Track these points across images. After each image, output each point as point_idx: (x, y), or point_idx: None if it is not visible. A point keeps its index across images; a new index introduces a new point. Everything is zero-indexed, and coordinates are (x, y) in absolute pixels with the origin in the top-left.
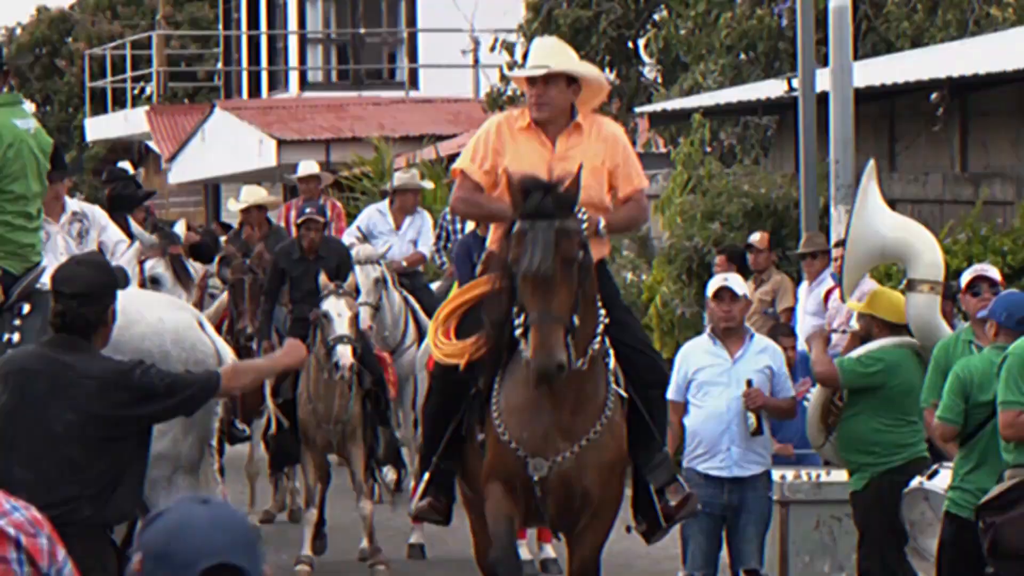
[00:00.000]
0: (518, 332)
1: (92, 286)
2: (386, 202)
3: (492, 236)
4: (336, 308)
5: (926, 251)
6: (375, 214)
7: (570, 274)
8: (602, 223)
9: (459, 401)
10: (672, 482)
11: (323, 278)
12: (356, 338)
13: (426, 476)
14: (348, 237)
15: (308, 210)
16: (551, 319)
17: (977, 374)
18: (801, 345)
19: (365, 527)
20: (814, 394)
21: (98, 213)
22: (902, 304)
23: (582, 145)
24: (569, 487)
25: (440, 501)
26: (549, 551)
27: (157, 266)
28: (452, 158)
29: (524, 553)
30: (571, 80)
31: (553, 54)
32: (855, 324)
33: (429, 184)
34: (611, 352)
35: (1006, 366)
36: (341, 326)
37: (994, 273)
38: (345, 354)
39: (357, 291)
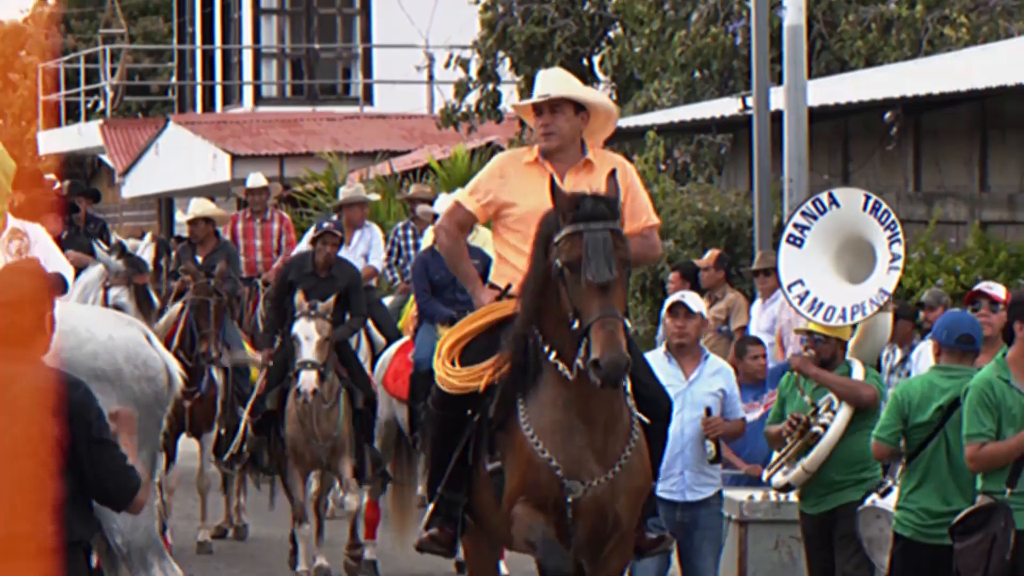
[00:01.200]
0: (550, 345)
1: (26, 293)
2: (335, 218)
3: (496, 272)
4: (305, 331)
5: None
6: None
7: (624, 276)
8: None
9: (463, 429)
10: (654, 516)
11: (299, 297)
12: (323, 362)
13: (430, 507)
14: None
15: (325, 224)
16: (615, 316)
17: (916, 395)
18: (770, 354)
19: (349, 531)
20: (840, 417)
21: (40, 232)
22: (860, 329)
23: (593, 180)
24: (602, 511)
25: (445, 532)
26: (502, 567)
27: (121, 295)
28: (406, 174)
29: (503, 568)
30: (578, 108)
31: (557, 82)
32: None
33: (375, 196)
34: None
35: (967, 399)
36: (308, 351)
37: (998, 291)
38: (308, 380)
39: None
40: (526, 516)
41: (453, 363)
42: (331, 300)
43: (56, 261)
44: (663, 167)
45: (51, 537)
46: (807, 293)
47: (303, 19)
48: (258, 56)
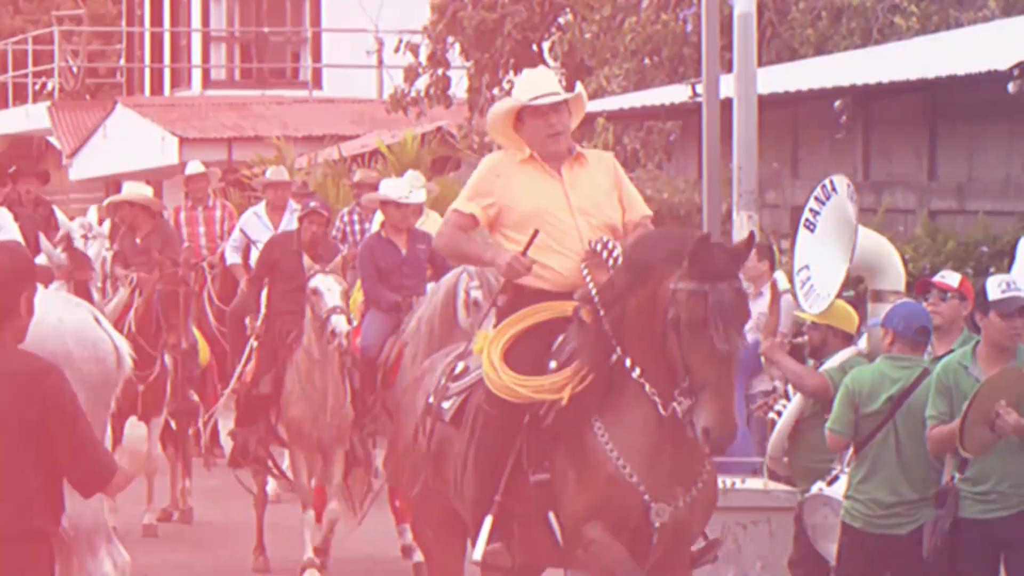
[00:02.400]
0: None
1: (4, 270)
2: (262, 205)
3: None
4: (325, 283)
5: (891, 263)
6: (252, 219)
7: (742, 337)
8: (618, 249)
9: (516, 436)
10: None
11: (307, 259)
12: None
13: (490, 519)
14: (230, 243)
15: (313, 203)
16: (730, 386)
17: (867, 385)
18: None
19: (327, 529)
20: (792, 406)
21: (6, 218)
22: (853, 314)
23: (587, 172)
24: (680, 534)
25: (506, 547)
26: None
27: (61, 289)
28: (355, 158)
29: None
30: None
31: (552, 82)
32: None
33: (296, 179)
34: None
35: (931, 382)
36: (333, 298)
37: (950, 279)
38: (340, 323)
39: None
40: (605, 541)
41: (507, 370)
42: (338, 260)
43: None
44: (612, 153)
45: (23, 524)
46: (808, 279)
47: (252, 2)
48: (207, 39)
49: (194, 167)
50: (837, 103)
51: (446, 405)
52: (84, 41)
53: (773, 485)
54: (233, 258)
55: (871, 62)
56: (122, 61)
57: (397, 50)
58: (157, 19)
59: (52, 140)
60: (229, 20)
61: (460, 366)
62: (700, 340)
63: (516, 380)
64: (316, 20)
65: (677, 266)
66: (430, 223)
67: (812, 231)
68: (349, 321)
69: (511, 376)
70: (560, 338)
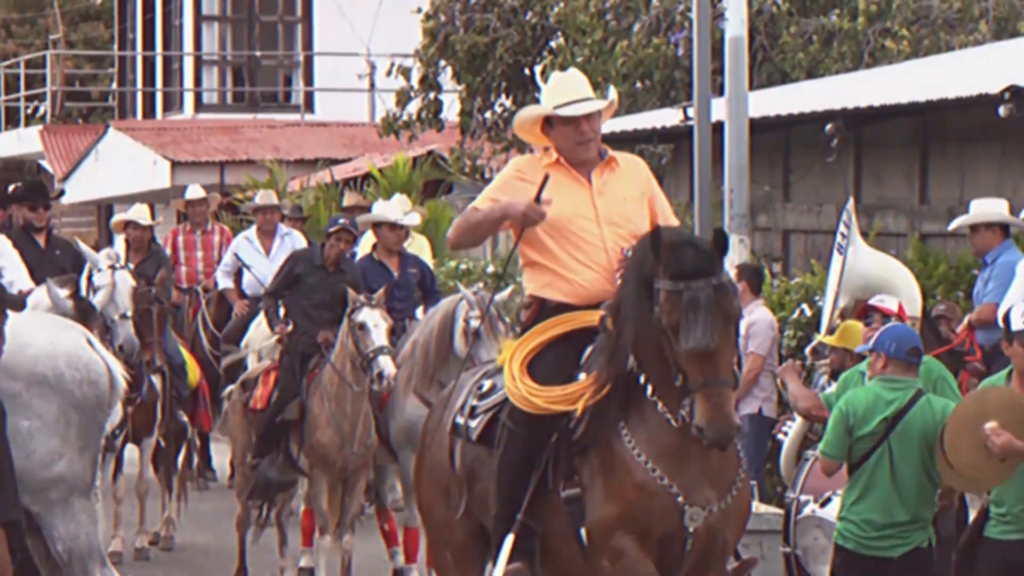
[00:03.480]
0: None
1: None
2: (252, 229)
3: (529, 278)
4: (373, 319)
5: (906, 287)
6: (243, 243)
7: (730, 333)
8: None
9: (541, 451)
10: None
11: (351, 291)
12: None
13: (510, 538)
14: (222, 267)
15: (342, 220)
16: (720, 384)
17: (861, 407)
18: None
19: (345, 562)
20: (794, 428)
21: (5, 246)
22: None
23: (618, 179)
24: (714, 539)
25: (527, 565)
26: None
27: None
28: (347, 182)
29: None
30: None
31: (583, 87)
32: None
33: (286, 202)
34: None
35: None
36: (380, 337)
37: (890, 304)
38: (388, 365)
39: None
40: (634, 554)
41: (526, 379)
42: (381, 291)
43: (19, 275)
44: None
45: None
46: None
47: (244, 26)
48: (199, 63)
49: (195, 191)
50: (828, 127)
51: (473, 424)
52: (70, 65)
53: (764, 508)
54: (225, 282)
55: (862, 86)
56: (113, 85)
57: (389, 74)
58: (149, 43)
59: (44, 164)
60: (221, 44)
61: (487, 384)
62: (683, 340)
63: (532, 390)
64: (308, 44)
65: (657, 266)
66: (415, 247)
67: (843, 253)
68: (395, 361)
69: (528, 386)
70: (589, 349)
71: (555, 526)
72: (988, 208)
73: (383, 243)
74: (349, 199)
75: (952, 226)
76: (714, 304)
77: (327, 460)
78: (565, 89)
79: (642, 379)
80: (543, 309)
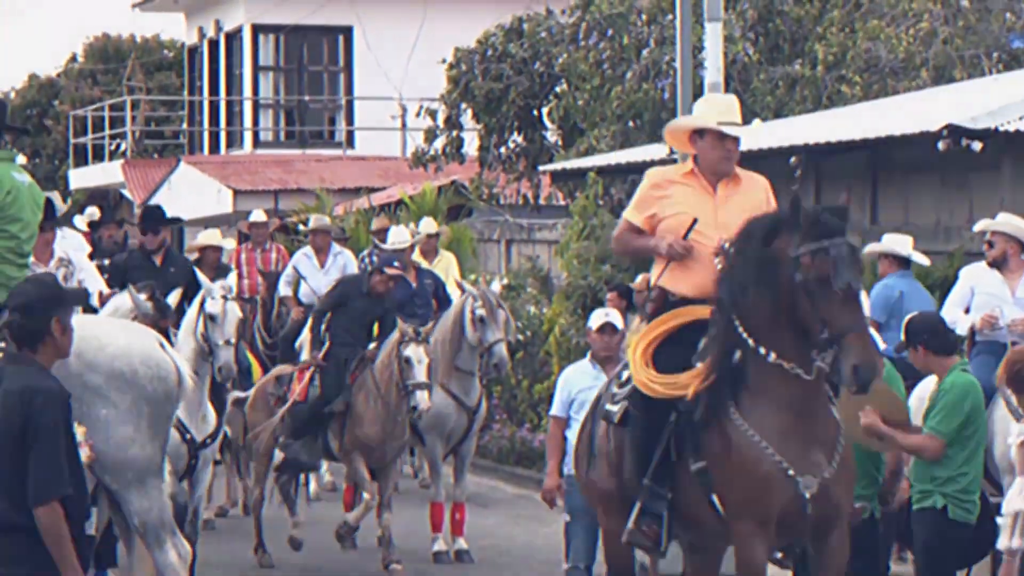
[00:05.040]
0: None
1: (32, 299)
2: (308, 247)
3: (656, 273)
4: (416, 355)
5: None
6: (302, 258)
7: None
8: None
9: (663, 429)
10: None
11: (400, 323)
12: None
13: (638, 505)
14: (284, 277)
15: (396, 263)
16: (864, 328)
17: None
18: None
19: (386, 537)
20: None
21: (84, 261)
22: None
23: (742, 192)
24: (829, 501)
25: (652, 529)
26: (462, 543)
27: None
28: (384, 207)
29: (440, 545)
30: None
31: (736, 111)
32: None
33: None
34: None
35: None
36: (420, 373)
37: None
38: (423, 400)
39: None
40: (752, 542)
41: (649, 367)
42: (429, 325)
43: (96, 284)
44: (601, 202)
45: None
46: None
47: (295, 75)
48: (257, 106)
49: (258, 216)
50: (792, 159)
51: (614, 409)
52: (147, 108)
53: None
54: (285, 291)
55: (821, 125)
56: (184, 125)
57: (418, 115)
58: (214, 89)
59: (125, 193)
60: (275, 90)
61: (625, 374)
62: (831, 291)
63: (651, 377)
64: (349, 90)
65: (789, 237)
66: (444, 263)
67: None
68: (430, 395)
69: (647, 373)
70: (703, 340)
71: (688, 494)
72: (889, 242)
73: (402, 263)
74: (376, 223)
75: (865, 251)
76: (853, 257)
77: (370, 450)
78: (724, 108)
79: (762, 350)
80: (666, 301)
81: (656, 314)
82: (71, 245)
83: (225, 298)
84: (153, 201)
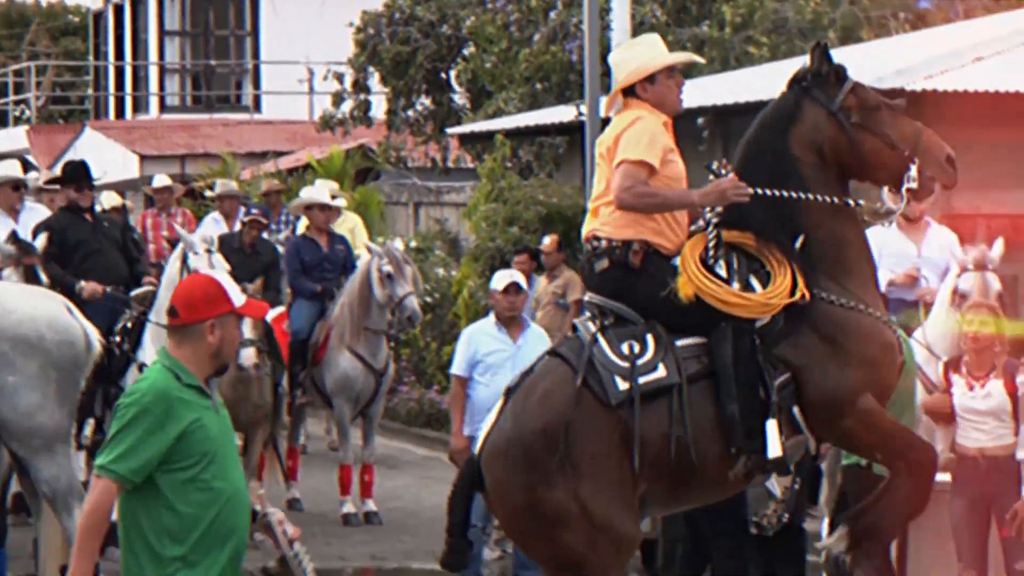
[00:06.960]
0: None
1: None
2: (217, 212)
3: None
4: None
5: None
6: (210, 223)
7: None
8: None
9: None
10: None
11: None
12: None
13: (773, 422)
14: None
15: (254, 210)
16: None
17: None
18: None
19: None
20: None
21: None
22: None
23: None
24: None
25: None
26: (371, 505)
27: (11, 276)
28: (291, 171)
29: (349, 507)
30: None
31: (659, 46)
32: None
33: (236, 187)
34: None
35: None
36: (246, 330)
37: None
38: (249, 357)
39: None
40: (880, 411)
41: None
42: (259, 282)
43: None
44: (509, 165)
45: None
46: None
47: (201, 39)
48: (163, 71)
49: (161, 180)
50: (700, 120)
51: (651, 377)
52: (51, 73)
53: None
54: None
55: (729, 86)
56: (90, 90)
57: (325, 79)
58: (120, 54)
59: (30, 159)
60: (181, 54)
61: (636, 347)
62: (887, 115)
63: (718, 288)
64: (255, 54)
65: (822, 93)
66: (348, 223)
67: None
68: (259, 354)
69: (711, 282)
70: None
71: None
72: None
73: (314, 222)
74: (266, 186)
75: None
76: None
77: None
78: (659, 49)
79: (836, 199)
80: (655, 255)
81: (643, 265)
82: None
83: (209, 251)
84: (59, 166)
